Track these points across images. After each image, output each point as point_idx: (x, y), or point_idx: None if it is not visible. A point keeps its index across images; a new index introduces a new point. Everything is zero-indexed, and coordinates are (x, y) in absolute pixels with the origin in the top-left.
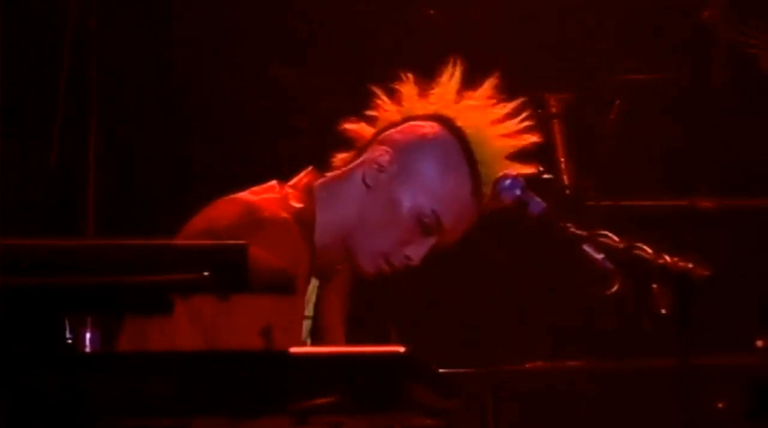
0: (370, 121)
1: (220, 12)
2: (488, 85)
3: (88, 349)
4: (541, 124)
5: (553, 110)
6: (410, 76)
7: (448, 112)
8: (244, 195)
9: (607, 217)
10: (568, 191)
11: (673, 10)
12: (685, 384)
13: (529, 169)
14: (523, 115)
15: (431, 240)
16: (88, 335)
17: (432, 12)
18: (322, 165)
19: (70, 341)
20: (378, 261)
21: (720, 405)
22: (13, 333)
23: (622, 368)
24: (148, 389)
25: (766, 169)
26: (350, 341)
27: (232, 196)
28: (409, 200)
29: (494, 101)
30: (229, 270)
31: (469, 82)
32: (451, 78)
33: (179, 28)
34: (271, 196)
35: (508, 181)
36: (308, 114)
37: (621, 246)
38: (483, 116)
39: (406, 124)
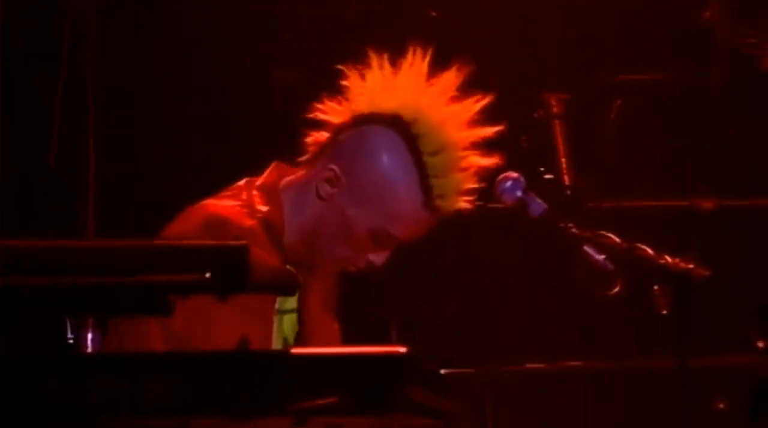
0: (342, 99)
1: (220, 11)
2: (448, 78)
3: (89, 349)
4: (542, 124)
5: (554, 110)
6: (382, 62)
7: (407, 114)
8: (212, 202)
9: (608, 218)
10: (568, 192)
11: (673, 10)
12: (685, 384)
13: (490, 161)
14: (478, 107)
15: (389, 250)
16: (89, 335)
17: (433, 13)
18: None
19: (71, 341)
20: (342, 264)
21: (720, 405)
22: (13, 333)
23: (622, 368)
24: (148, 389)
25: (766, 169)
26: (350, 340)
27: (201, 203)
28: (360, 219)
29: (454, 96)
30: (229, 271)
31: (434, 70)
32: (411, 67)
33: (180, 28)
34: (236, 203)
35: (509, 183)
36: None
37: (622, 246)
38: (440, 119)
39: (358, 130)
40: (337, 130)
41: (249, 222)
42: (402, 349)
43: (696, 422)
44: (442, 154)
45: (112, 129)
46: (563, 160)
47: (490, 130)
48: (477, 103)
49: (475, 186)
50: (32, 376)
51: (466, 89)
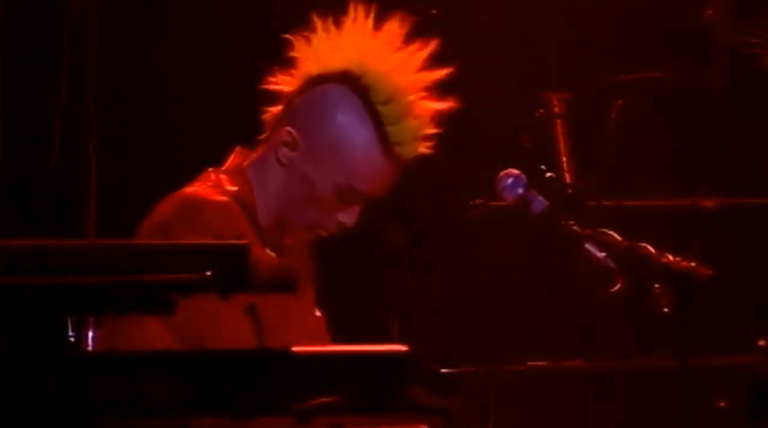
0: (290, 70)
1: (220, 11)
2: (392, 29)
3: (90, 348)
4: (543, 123)
5: (556, 110)
6: (326, 24)
7: (355, 68)
8: (183, 189)
9: (608, 217)
10: (569, 190)
11: (673, 10)
12: (685, 383)
13: (444, 105)
14: (425, 52)
15: (358, 206)
16: (90, 334)
17: (434, 12)
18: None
19: (72, 340)
20: (314, 230)
21: (721, 405)
22: (14, 333)
23: (623, 367)
24: (148, 389)
25: (767, 168)
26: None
27: (170, 195)
28: (322, 178)
29: (399, 45)
30: (230, 270)
31: (376, 23)
32: (354, 23)
33: (180, 28)
34: (206, 185)
35: (510, 180)
36: None
37: (623, 245)
38: (387, 68)
39: (310, 92)
40: (291, 98)
41: (223, 198)
42: (403, 348)
43: (696, 422)
44: (394, 102)
45: (112, 129)
46: (564, 159)
47: (439, 74)
48: (423, 49)
49: (432, 131)
50: (32, 376)
51: (410, 38)
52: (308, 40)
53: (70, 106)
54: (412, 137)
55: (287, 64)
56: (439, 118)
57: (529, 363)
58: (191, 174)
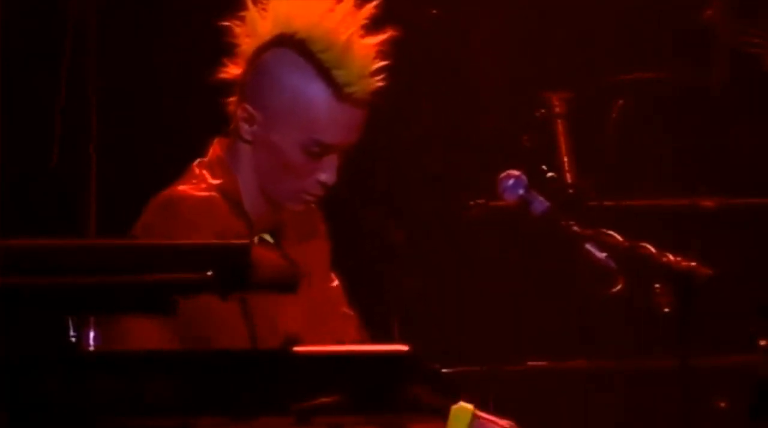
0: (234, 54)
1: (220, 12)
2: None
3: (91, 349)
4: (544, 123)
5: (556, 110)
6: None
7: (287, 28)
8: (165, 191)
9: (609, 217)
10: (570, 190)
11: (673, 10)
12: (685, 383)
13: (381, 37)
14: None
15: (333, 159)
16: (91, 334)
17: (434, 12)
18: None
19: (72, 340)
20: (300, 198)
21: (721, 405)
22: (14, 333)
23: (622, 368)
24: (148, 389)
25: (767, 168)
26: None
27: (153, 197)
28: (286, 141)
29: None
30: (231, 270)
31: None
32: None
33: (180, 28)
34: (190, 182)
35: (511, 181)
36: None
37: (624, 245)
38: (317, 17)
39: (254, 65)
40: (240, 79)
41: (203, 193)
42: (404, 348)
43: (696, 422)
44: (333, 46)
45: (112, 129)
46: (565, 159)
47: (369, 9)
48: None
49: (380, 64)
50: (32, 376)
51: None
52: (242, 19)
53: (70, 106)
54: (360, 74)
55: (232, 50)
56: (382, 51)
57: (529, 363)
58: None
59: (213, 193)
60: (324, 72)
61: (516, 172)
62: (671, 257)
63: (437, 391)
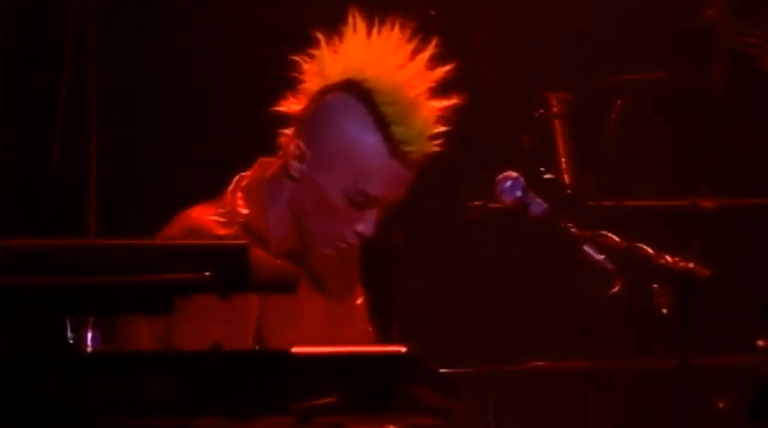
0: (298, 90)
1: (220, 11)
2: (390, 32)
3: (89, 349)
4: (543, 123)
5: (555, 110)
6: (326, 38)
7: (357, 75)
8: (198, 208)
9: (608, 217)
10: (569, 191)
11: (673, 10)
12: (685, 383)
13: (449, 102)
14: (425, 52)
15: (374, 213)
16: (89, 335)
17: (433, 13)
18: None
19: (71, 341)
20: (334, 244)
21: (721, 405)
22: (14, 333)
23: (622, 368)
24: (148, 389)
25: (767, 168)
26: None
27: (188, 210)
28: (333, 186)
29: (398, 47)
30: (230, 271)
31: (375, 29)
32: (353, 32)
33: (180, 28)
34: (218, 211)
35: (508, 183)
36: None
37: (622, 246)
38: (388, 69)
39: (316, 105)
40: (299, 115)
41: (226, 231)
42: (403, 349)
43: (696, 422)
44: (397, 101)
45: (112, 129)
46: (564, 159)
47: (440, 71)
48: (423, 49)
49: (439, 129)
50: (32, 376)
51: (410, 40)
52: (311, 56)
53: (70, 106)
54: (419, 135)
55: (296, 84)
56: (445, 117)
57: (529, 363)
58: (191, 174)
59: (235, 230)
60: (384, 126)
61: (514, 174)
62: (669, 258)
63: (436, 391)
